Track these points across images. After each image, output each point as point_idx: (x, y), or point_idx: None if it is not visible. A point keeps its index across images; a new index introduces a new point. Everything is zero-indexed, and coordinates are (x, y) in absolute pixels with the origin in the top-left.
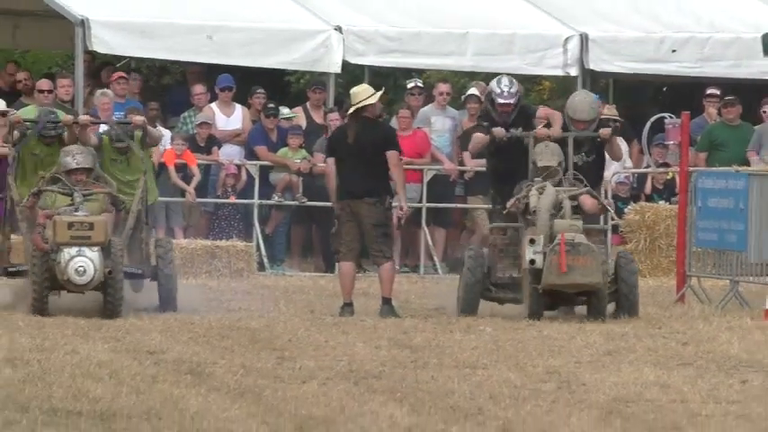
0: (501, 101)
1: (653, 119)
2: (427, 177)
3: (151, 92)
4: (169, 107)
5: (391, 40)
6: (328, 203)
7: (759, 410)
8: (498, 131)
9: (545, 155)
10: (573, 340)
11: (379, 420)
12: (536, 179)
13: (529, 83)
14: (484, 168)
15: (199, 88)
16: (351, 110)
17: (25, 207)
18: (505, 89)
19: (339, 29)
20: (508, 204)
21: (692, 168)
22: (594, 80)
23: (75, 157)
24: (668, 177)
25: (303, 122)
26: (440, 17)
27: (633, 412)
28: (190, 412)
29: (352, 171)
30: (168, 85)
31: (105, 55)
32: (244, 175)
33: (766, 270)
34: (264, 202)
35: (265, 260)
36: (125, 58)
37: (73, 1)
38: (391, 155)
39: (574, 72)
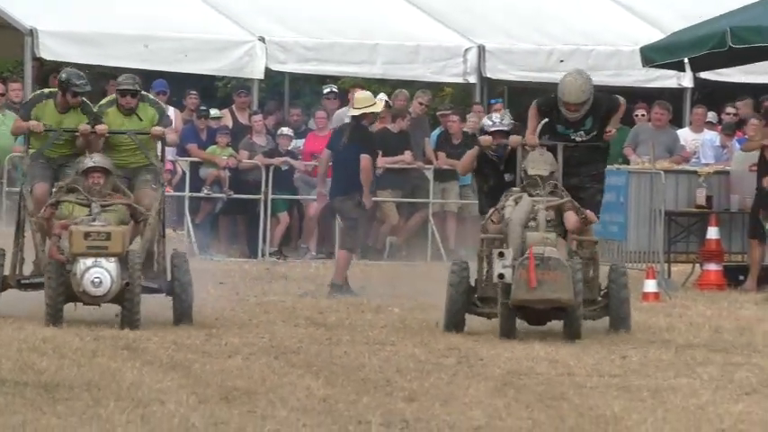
0: (491, 129)
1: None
2: None
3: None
4: None
5: (309, 50)
6: (253, 196)
7: (637, 383)
8: (484, 139)
9: (537, 163)
10: (472, 320)
11: (297, 391)
12: (513, 189)
13: (432, 90)
14: (394, 165)
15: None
16: (352, 113)
17: (43, 218)
18: (498, 120)
19: (262, 39)
20: (487, 215)
21: None
22: (491, 87)
23: (92, 157)
24: None
25: (230, 123)
26: (352, 30)
27: (525, 384)
28: (126, 383)
29: (338, 169)
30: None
31: (53, 61)
32: (179, 170)
33: (643, 257)
34: (195, 194)
35: (195, 247)
36: (70, 64)
37: (22, 13)
38: (363, 158)
39: (473, 80)
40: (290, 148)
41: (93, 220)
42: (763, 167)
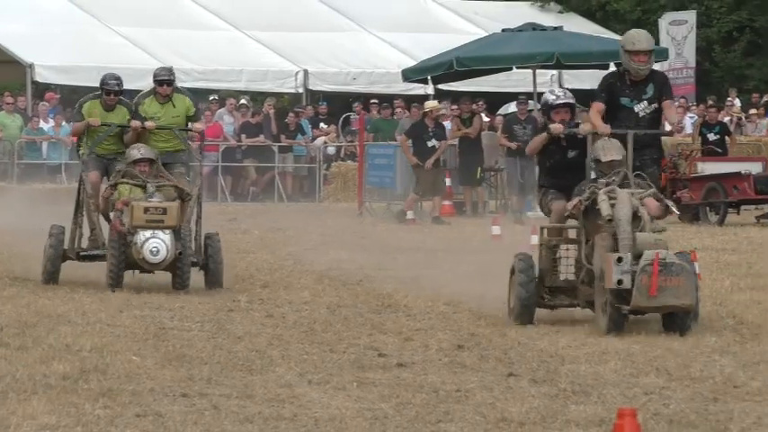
0: (559, 102)
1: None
2: (221, 149)
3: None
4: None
5: (199, 73)
6: None
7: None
8: (556, 128)
9: (610, 150)
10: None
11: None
12: (600, 179)
13: (276, 97)
14: (255, 143)
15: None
16: (423, 112)
17: (103, 197)
18: (561, 94)
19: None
20: (569, 206)
21: (366, 143)
22: (313, 97)
23: (140, 149)
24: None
25: None
26: (227, 59)
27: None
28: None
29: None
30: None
31: (45, 83)
32: None
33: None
34: None
35: None
36: (58, 85)
37: (24, 52)
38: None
39: (301, 90)
40: None
41: (151, 197)
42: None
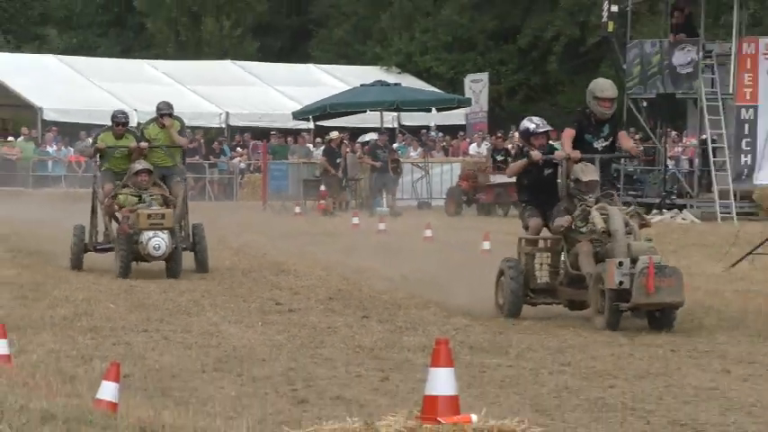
0: (539, 131)
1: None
2: None
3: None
4: None
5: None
6: None
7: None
8: (536, 155)
9: (588, 172)
10: None
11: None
12: (583, 197)
13: (202, 129)
14: (190, 160)
15: None
16: (329, 139)
17: (107, 205)
18: (540, 123)
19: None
20: (564, 224)
21: (269, 162)
22: (232, 130)
23: (140, 163)
24: None
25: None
26: (173, 104)
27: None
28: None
29: None
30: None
31: (52, 121)
32: None
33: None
34: None
35: None
36: (62, 123)
37: (35, 98)
38: None
39: (224, 126)
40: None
41: (150, 205)
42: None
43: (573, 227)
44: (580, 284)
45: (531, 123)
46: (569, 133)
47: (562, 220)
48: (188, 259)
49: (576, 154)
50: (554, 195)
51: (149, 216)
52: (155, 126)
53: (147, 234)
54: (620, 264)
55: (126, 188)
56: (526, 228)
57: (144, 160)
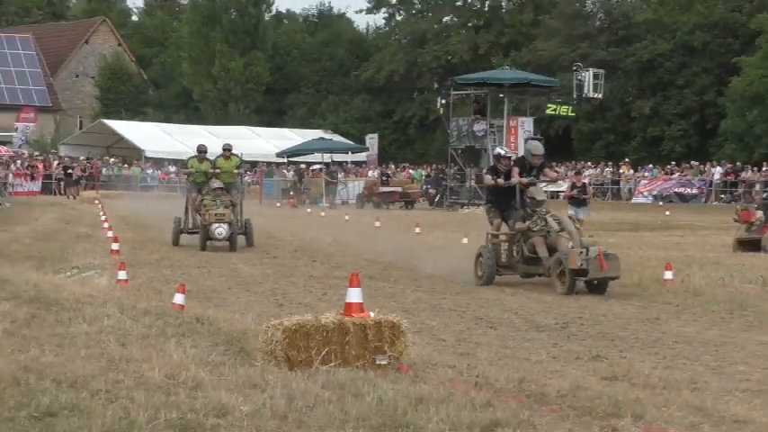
0: (507, 155)
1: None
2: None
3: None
4: None
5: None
6: None
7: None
8: (499, 182)
9: (538, 193)
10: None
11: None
12: (534, 209)
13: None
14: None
15: None
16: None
17: (196, 206)
18: (506, 150)
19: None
20: (523, 227)
21: (264, 178)
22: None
23: (216, 182)
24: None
25: None
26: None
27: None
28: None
29: None
30: None
31: (149, 156)
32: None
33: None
34: None
35: None
36: (150, 157)
37: (138, 142)
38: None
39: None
40: None
41: (218, 207)
42: None
43: (528, 228)
44: (532, 263)
45: (501, 150)
46: (517, 171)
47: (521, 225)
48: (241, 239)
49: (526, 180)
50: (509, 200)
51: (216, 215)
52: (221, 159)
53: (214, 225)
54: (581, 252)
55: (208, 195)
56: (491, 223)
57: (217, 179)
